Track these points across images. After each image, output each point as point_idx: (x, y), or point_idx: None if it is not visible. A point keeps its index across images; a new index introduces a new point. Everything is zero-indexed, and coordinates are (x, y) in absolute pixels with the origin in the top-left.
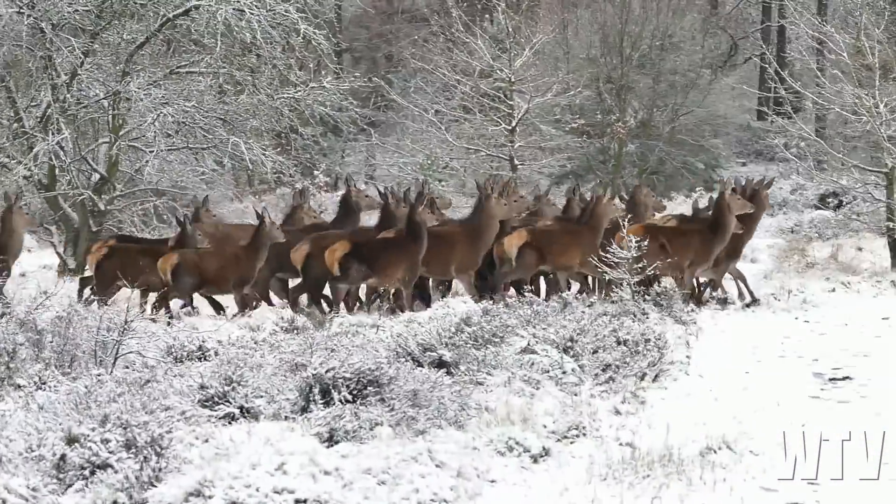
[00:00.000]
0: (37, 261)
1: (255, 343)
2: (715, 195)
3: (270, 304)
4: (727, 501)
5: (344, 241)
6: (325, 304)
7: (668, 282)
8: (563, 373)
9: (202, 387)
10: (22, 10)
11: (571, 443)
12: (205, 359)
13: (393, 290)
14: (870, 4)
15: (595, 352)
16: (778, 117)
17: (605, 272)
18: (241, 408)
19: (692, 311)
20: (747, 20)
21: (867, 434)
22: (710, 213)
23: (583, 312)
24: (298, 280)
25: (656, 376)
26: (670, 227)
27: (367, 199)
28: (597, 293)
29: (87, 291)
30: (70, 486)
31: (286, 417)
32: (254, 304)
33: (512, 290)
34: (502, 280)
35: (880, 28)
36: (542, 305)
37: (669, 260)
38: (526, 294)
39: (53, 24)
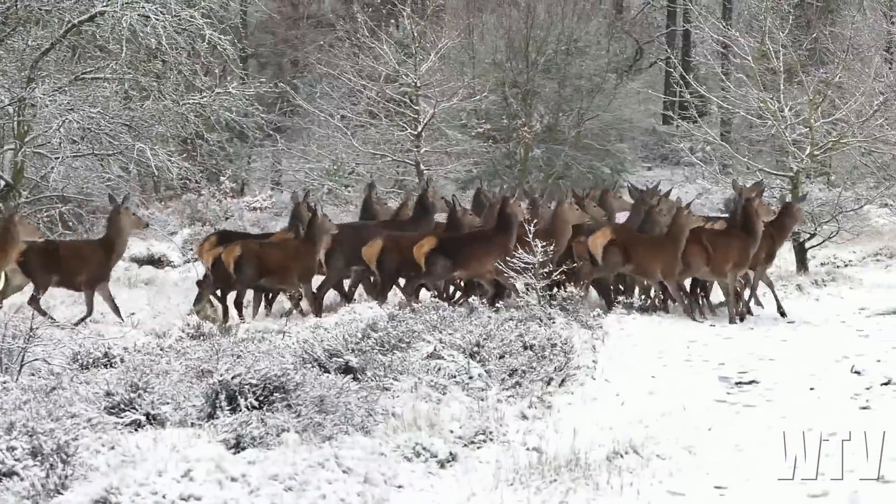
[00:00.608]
0: None
1: (161, 350)
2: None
3: (346, 297)
4: None
5: (431, 237)
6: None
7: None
8: (470, 378)
9: (108, 394)
10: None
11: (478, 448)
12: (111, 366)
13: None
14: (774, 8)
15: (502, 357)
16: (683, 121)
17: (512, 277)
18: (147, 415)
19: (598, 315)
20: (652, 24)
21: (771, 439)
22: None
23: (489, 317)
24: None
25: (563, 381)
26: (712, 230)
27: (441, 200)
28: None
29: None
30: None
31: (192, 424)
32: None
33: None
34: (586, 278)
35: (784, 32)
36: (448, 311)
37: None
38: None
39: None
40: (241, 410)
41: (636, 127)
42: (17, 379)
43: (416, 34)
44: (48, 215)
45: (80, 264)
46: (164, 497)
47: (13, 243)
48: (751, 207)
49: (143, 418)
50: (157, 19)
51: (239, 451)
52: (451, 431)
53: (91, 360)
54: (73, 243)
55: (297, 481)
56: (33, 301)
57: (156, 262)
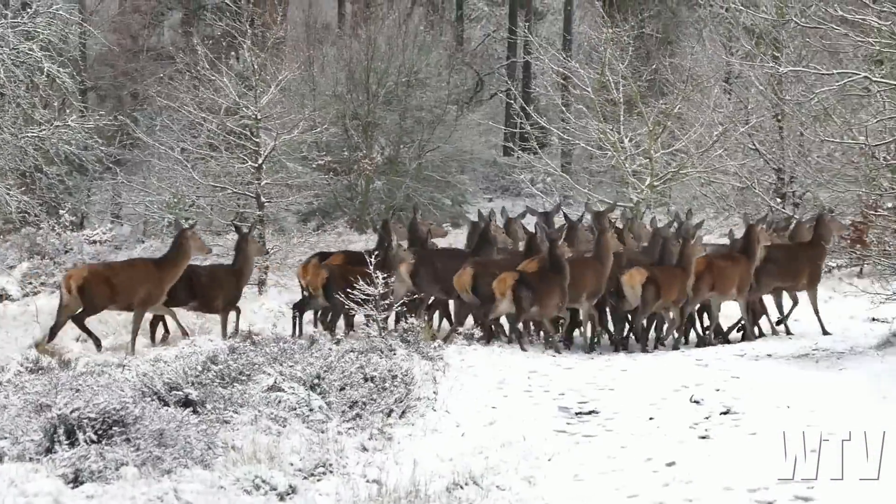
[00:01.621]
0: None
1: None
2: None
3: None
4: None
5: (513, 272)
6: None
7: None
8: (311, 410)
9: None
10: None
11: (318, 480)
12: None
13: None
14: (613, 40)
15: (342, 389)
16: (524, 153)
17: (353, 308)
18: None
19: (439, 346)
20: (493, 56)
21: (610, 469)
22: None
23: (329, 349)
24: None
25: (403, 412)
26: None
27: (502, 233)
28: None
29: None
30: None
31: (31, 458)
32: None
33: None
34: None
35: (624, 63)
36: (288, 343)
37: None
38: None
39: None
40: (79, 444)
41: (477, 158)
42: None
43: (256, 66)
44: None
45: None
46: None
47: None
48: (753, 233)
49: None
50: None
51: (78, 486)
52: (291, 464)
53: None
54: None
55: None
56: None
57: None
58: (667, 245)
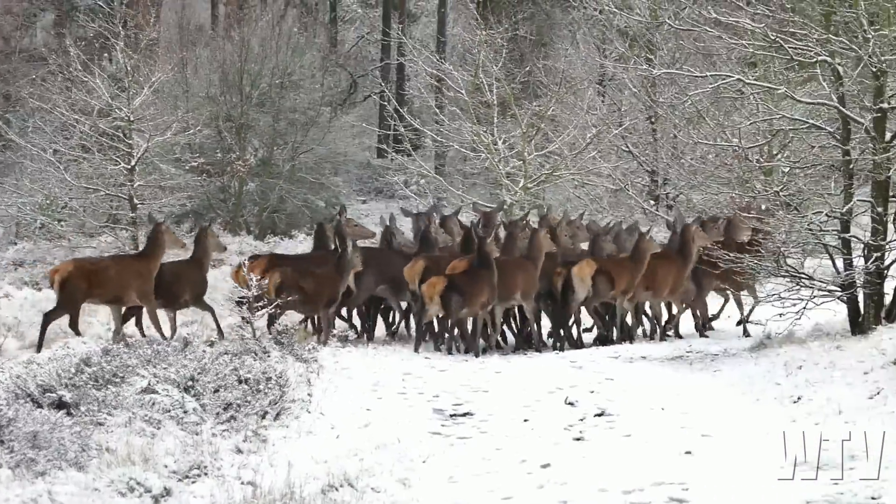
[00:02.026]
0: None
1: None
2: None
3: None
4: None
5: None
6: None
7: (290, 320)
8: (185, 412)
9: None
10: None
11: (193, 482)
12: None
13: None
14: (487, 42)
15: (217, 391)
16: (398, 155)
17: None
18: None
19: (313, 348)
20: (367, 58)
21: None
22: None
23: (203, 351)
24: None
25: (278, 414)
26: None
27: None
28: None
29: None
30: None
31: None
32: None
33: None
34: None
35: (498, 65)
36: (162, 345)
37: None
38: None
39: None
40: None
41: (351, 160)
42: None
43: (129, 68)
44: None
45: None
46: None
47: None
48: (688, 233)
49: None
50: None
51: None
52: (166, 466)
53: None
54: None
55: None
56: None
57: None
58: (597, 241)
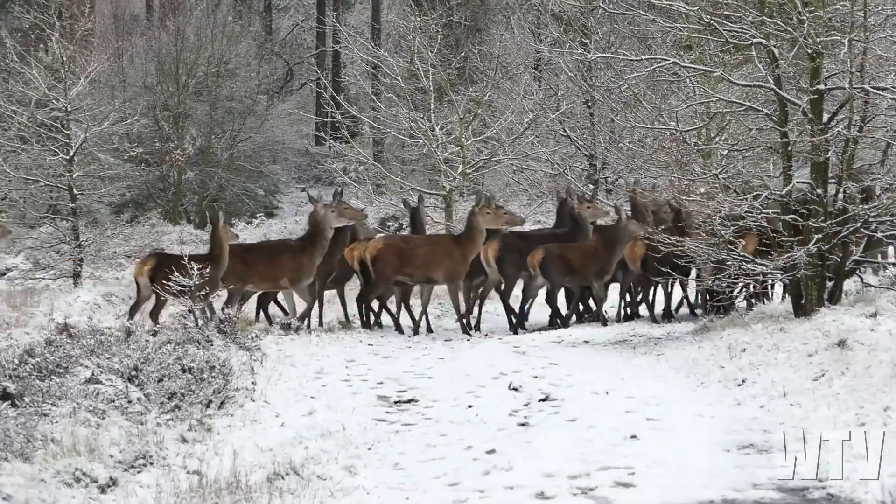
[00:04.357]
0: None
1: None
2: None
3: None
4: None
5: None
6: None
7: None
8: (129, 402)
9: None
10: None
11: (139, 472)
12: None
13: None
14: (422, 28)
15: (160, 380)
16: (335, 142)
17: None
18: None
19: (256, 337)
20: (302, 46)
21: (429, 457)
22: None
23: (147, 341)
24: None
25: (222, 403)
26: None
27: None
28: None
29: None
30: None
31: None
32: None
33: None
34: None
35: (433, 51)
36: (105, 335)
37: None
38: None
39: None
40: None
41: (289, 148)
42: None
43: (65, 59)
44: None
45: None
46: None
47: None
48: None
49: None
50: None
51: None
52: (111, 456)
53: None
54: None
55: None
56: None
57: None
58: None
